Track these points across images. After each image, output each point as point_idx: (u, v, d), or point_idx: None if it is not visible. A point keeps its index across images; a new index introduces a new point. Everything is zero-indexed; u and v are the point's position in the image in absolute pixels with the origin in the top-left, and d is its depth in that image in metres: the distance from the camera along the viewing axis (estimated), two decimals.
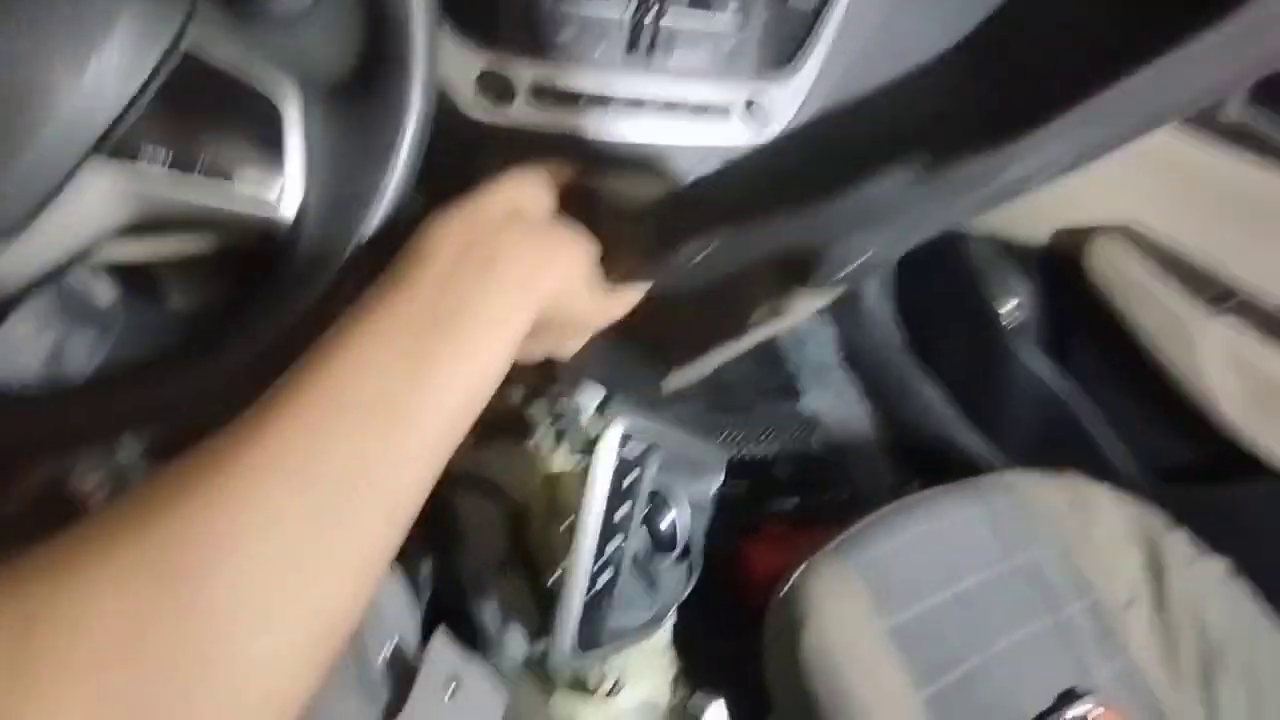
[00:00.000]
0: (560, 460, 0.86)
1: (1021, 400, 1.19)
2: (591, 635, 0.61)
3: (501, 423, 1.00)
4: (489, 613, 0.90)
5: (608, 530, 0.60)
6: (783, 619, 0.72)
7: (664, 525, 0.59)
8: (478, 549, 0.93)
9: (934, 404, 1.38)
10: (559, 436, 0.90)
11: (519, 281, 0.34)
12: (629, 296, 0.43)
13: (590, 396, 0.88)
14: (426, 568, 0.96)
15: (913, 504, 0.84)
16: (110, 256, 0.46)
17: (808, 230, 0.41)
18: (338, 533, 0.27)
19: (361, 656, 0.48)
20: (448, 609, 0.89)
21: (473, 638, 0.87)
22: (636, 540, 0.60)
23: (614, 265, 0.40)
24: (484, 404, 0.34)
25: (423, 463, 0.31)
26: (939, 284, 1.38)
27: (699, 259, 0.38)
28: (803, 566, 0.75)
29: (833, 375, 1.55)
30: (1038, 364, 1.19)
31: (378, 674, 0.48)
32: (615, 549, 0.60)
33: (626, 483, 0.60)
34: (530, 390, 0.99)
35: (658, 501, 0.59)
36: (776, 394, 1.42)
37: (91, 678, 0.22)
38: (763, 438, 1.31)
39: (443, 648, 0.52)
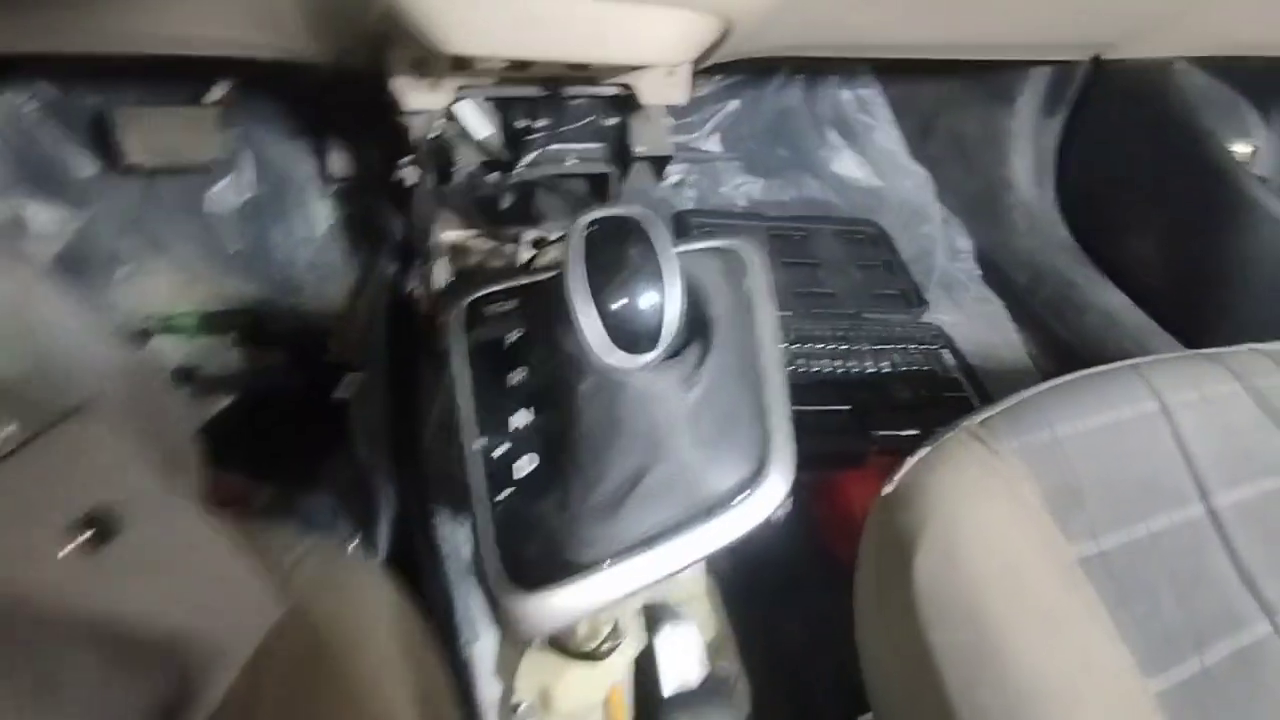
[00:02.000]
0: None
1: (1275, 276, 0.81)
2: (538, 561, 0.34)
3: None
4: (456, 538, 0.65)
5: (495, 398, 0.34)
6: (888, 528, 0.42)
7: (641, 303, 0.30)
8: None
9: (1120, 313, 1.01)
10: None
11: None
12: None
13: None
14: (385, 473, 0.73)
15: (1100, 380, 0.51)
16: None
17: None
18: None
19: None
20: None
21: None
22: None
23: None
24: None
25: None
26: (1126, 149, 1.00)
27: None
28: (924, 449, 0.45)
29: (967, 293, 1.20)
30: None
31: None
32: (526, 424, 0.34)
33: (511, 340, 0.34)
34: None
35: (625, 269, 0.31)
36: (895, 300, 1.09)
37: None
38: (875, 349, 0.99)
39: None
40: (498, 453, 0.34)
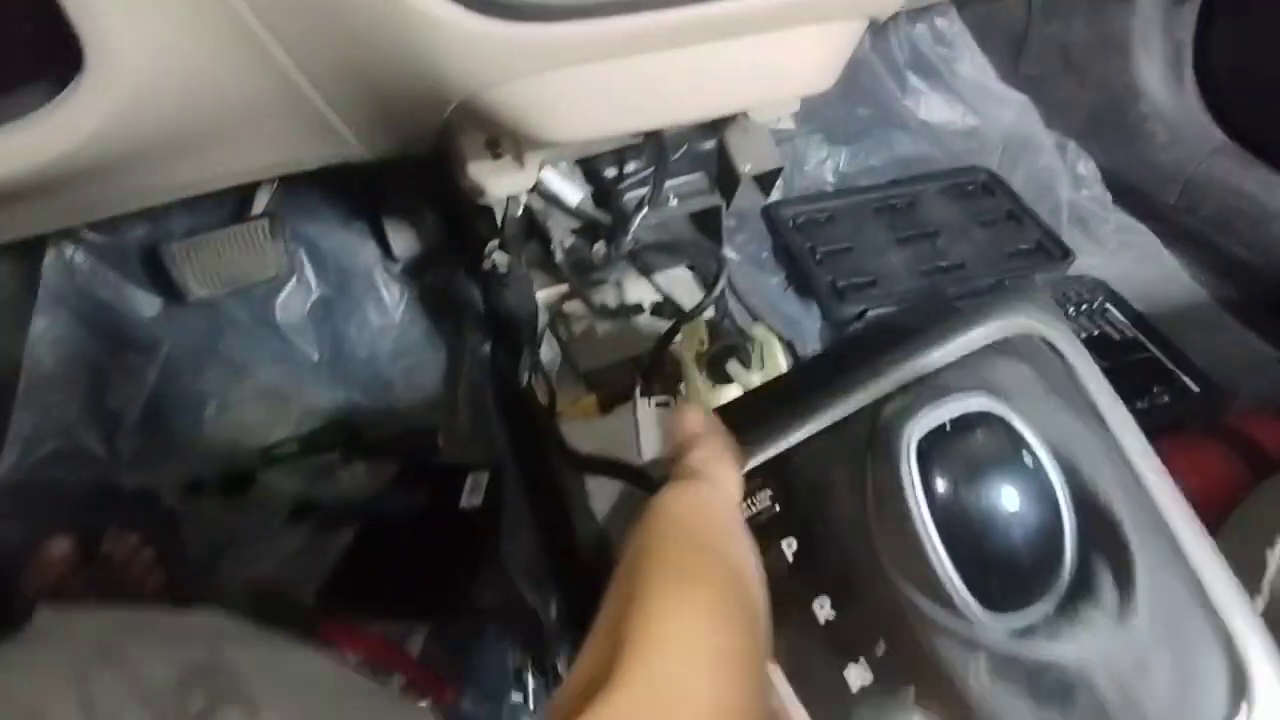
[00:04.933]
0: None
1: None
2: None
3: None
4: None
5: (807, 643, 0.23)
6: None
7: (1023, 542, 0.20)
8: None
9: None
10: None
11: None
12: None
13: None
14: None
15: None
16: None
17: None
18: None
19: None
20: None
21: None
22: None
23: None
24: None
25: None
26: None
27: None
28: None
29: (1105, 225, 1.06)
30: None
31: None
32: (863, 688, 0.23)
33: None
34: None
35: None
36: (1033, 256, 0.96)
37: None
38: None
39: None
40: None
